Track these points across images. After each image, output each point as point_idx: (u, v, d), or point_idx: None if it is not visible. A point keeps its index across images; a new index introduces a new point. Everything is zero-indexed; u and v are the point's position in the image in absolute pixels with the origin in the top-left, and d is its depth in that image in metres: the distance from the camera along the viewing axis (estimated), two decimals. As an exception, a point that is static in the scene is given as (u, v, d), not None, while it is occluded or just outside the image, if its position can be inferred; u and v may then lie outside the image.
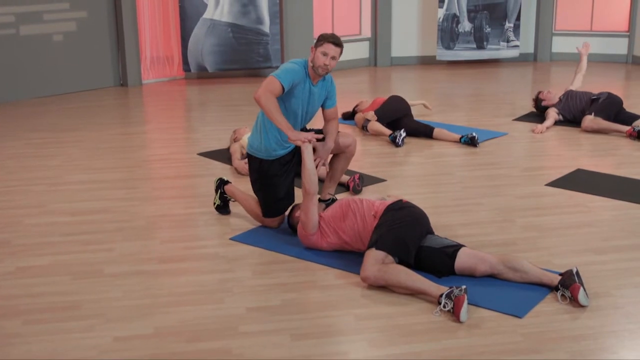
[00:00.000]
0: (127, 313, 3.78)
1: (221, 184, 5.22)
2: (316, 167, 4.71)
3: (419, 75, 11.60)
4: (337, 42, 4.70)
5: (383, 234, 4.10)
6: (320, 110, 4.98)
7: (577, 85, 8.17)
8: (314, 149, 4.74)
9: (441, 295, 3.73)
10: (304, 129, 4.94)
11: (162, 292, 4.02)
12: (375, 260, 3.99)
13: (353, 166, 6.15)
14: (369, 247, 4.09)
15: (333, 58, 4.68)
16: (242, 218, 5.14)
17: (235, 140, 6.60)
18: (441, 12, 11.81)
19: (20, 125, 8.21)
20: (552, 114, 7.84)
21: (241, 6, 10.62)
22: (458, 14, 11.86)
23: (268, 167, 4.85)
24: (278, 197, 4.87)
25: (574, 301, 3.80)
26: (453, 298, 3.67)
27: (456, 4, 11.84)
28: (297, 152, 4.87)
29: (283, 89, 4.57)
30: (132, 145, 7.33)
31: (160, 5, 10.77)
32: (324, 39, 4.70)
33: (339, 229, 4.39)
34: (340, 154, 5.06)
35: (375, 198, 4.68)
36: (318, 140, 4.63)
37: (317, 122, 5.25)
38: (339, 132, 4.98)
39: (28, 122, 8.38)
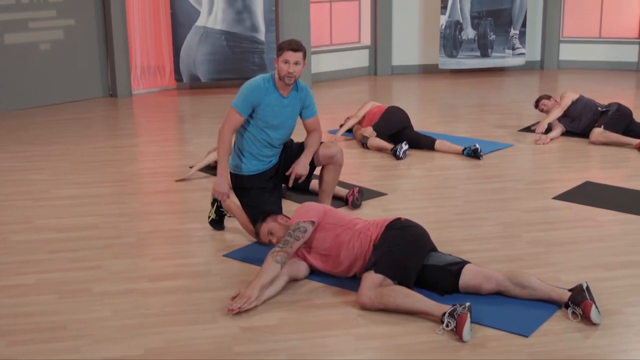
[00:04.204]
0: (115, 333, 3.71)
1: (218, 197, 5.16)
2: (292, 179, 4.83)
3: (420, 85, 11.60)
4: (295, 48, 4.68)
5: (382, 256, 4.00)
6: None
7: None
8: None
9: (444, 314, 3.66)
10: (290, 143, 4.97)
11: (152, 311, 3.97)
12: (373, 284, 3.89)
13: (352, 179, 6.13)
14: (367, 269, 3.98)
15: (296, 64, 4.67)
16: (236, 234, 5.10)
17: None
18: (443, 19, 11.73)
19: (5, 138, 8.15)
20: (559, 125, 7.71)
21: (235, 13, 10.51)
22: (461, 20, 11.78)
23: (249, 182, 4.90)
24: (265, 212, 4.75)
25: (585, 319, 3.73)
26: (456, 316, 3.61)
27: (459, 10, 11.76)
28: (280, 167, 4.95)
29: (244, 116, 4.76)
30: (122, 158, 7.29)
31: (151, 13, 10.70)
32: (282, 47, 4.72)
33: (334, 265, 4.24)
34: (327, 166, 5.02)
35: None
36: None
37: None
38: (322, 142, 4.98)
39: (13, 135, 8.32)
